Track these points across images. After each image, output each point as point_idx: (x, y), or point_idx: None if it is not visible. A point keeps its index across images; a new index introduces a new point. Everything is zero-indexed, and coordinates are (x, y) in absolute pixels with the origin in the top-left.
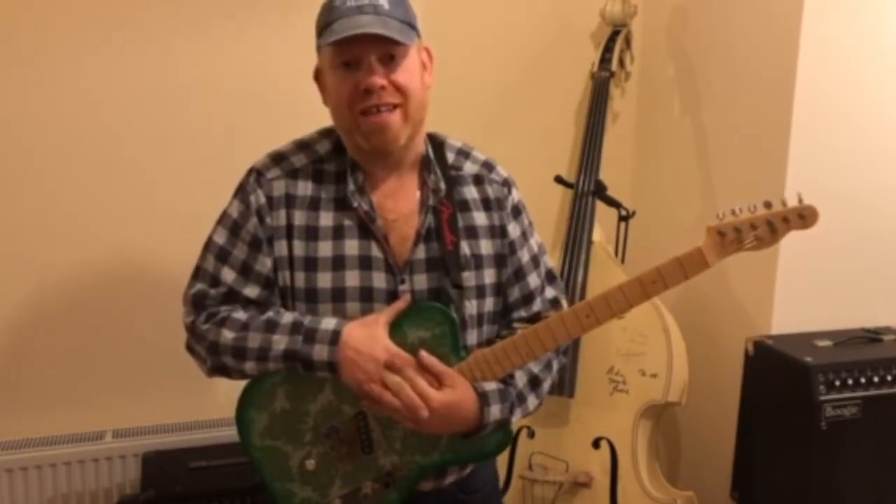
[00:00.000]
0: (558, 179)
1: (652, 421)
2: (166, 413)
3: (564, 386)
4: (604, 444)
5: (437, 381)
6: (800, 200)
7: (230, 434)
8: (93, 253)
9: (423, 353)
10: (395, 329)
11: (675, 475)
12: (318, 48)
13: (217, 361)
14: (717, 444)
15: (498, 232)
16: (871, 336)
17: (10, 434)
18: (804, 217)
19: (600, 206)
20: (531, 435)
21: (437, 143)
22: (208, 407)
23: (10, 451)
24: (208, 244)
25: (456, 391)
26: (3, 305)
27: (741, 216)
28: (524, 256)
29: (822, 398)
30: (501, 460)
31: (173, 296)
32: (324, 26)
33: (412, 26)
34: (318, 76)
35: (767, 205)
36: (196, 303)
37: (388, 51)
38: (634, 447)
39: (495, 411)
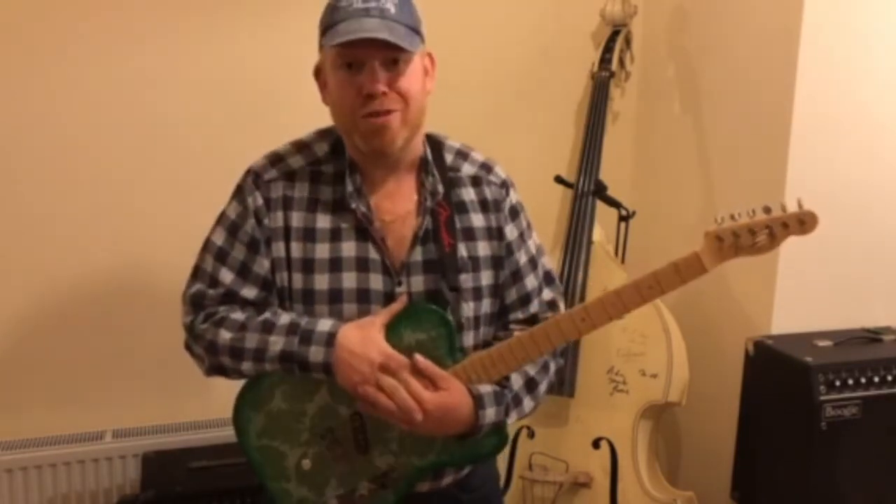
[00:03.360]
0: (558, 179)
1: (652, 421)
2: (166, 413)
3: (564, 386)
4: (604, 444)
5: (432, 383)
6: (799, 206)
7: (230, 434)
8: (93, 253)
9: (418, 357)
10: (392, 331)
11: (675, 475)
12: (321, 46)
13: (215, 361)
14: (717, 444)
15: (495, 234)
16: (871, 336)
17: (10, 434)
18: (804, 223)
19: (600, 206)
20: (531, 435)
21: (435, 144)
22: (208, 407)
23: (10, 451)
24: (207, 245)
25: (450, 394)
26: (3, 306)
27: (740, 221)
28: (522, 258)
29: (822, 398)
30: (501, 460)
31: (173, 296)
32: (328, 26)
33: (417, 31)
34: (318, 73)
35: (767, 210)
36: (194, 303)
37: (392, 56)
38: (634, 447)
39: (490, 414)
